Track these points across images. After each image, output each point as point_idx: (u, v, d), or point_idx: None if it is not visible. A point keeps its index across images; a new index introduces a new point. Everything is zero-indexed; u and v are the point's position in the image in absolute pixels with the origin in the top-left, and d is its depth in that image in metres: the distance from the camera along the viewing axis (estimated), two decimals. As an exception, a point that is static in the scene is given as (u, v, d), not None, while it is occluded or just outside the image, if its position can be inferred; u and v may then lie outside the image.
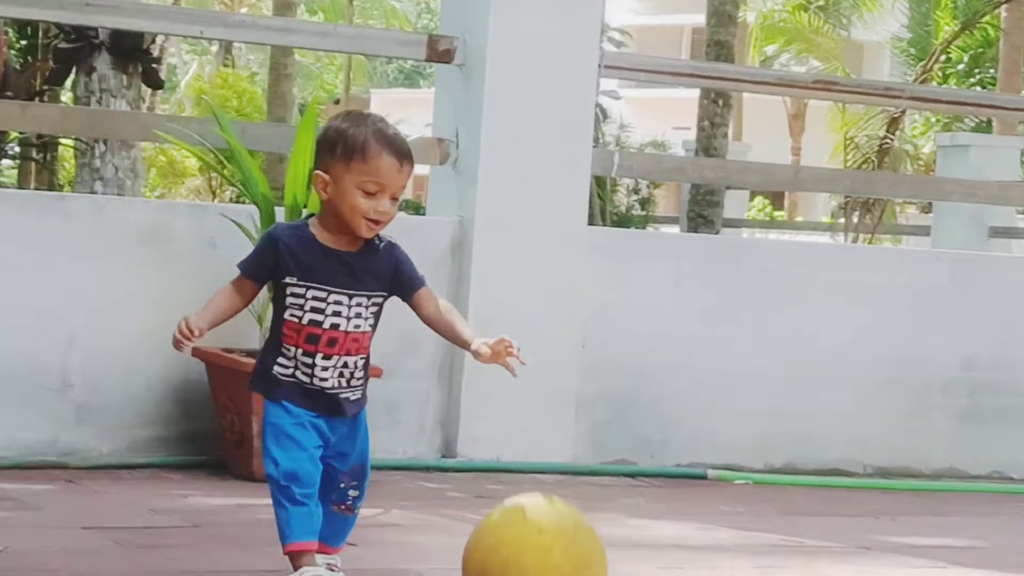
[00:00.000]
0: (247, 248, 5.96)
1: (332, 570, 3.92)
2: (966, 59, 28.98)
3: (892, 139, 15.75)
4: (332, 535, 3.96)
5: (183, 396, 6.11)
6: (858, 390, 7.31)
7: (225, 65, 37.95)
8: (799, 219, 32.40)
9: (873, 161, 15.71)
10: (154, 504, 5.22)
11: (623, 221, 19.03)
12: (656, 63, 7.62)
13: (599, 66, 6.90)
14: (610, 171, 7.67)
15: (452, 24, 6.77)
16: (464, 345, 3.95)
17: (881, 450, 7.32)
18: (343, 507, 3.94)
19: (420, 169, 8.21)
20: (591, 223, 7.05)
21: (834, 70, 32.91)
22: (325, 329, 3.79)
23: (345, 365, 3.83)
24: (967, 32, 27.34)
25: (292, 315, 3.80)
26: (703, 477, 6.77)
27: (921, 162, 24.32)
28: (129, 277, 6.10)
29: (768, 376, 7.15)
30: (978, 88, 26.86)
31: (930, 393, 7.45)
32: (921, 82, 17.47)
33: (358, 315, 3.84)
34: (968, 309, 7.51)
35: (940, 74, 27.18)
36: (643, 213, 22.74)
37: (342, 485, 3.91)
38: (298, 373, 3.82)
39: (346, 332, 3.81)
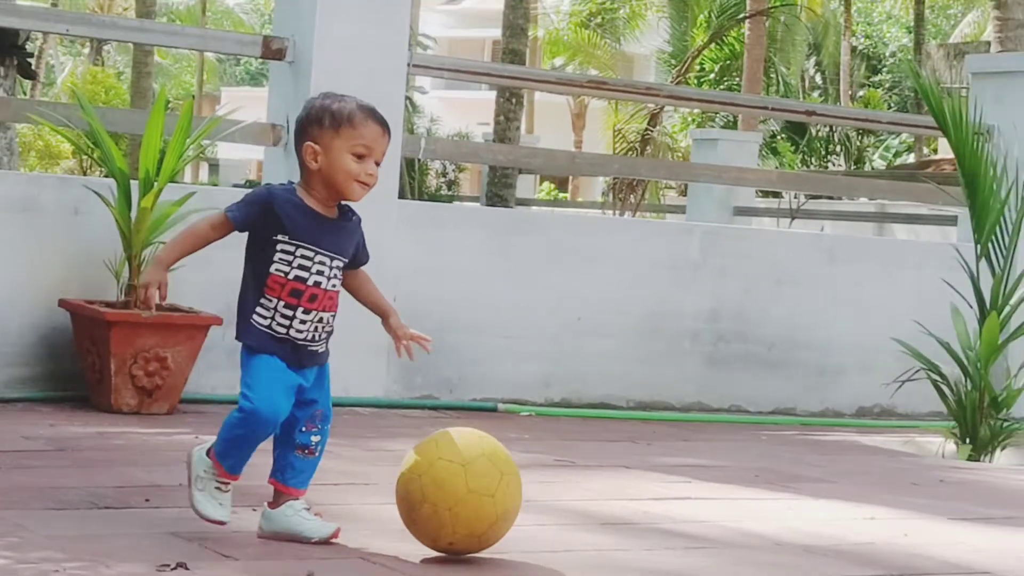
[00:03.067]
0: (107, 215, 5.87)
1: (311, 513, 3.65)
2: (716, 69, 29.33)
3: (652, 131, 15.93)
4: (295, 477, 3.65)
5: (50, 341, 6.00)
6: (623, 338, 7.38)
7: (96, 64, 37.18)
8: (580, 199, 32.59)
9: (637, 149, 15.88)
10: (25, 432, 5.12)
11: (432, 200, 19.03)
12: (457, 63, 7.61)
13: (408, 65, 6.88)
14: (418, 153, 7.63)
15: (283, 27, 6.70)
16: (384, 314, 3.80)
17: (641, 387, 7.39)
18: (306, 451, 3.65)
19: (259, 154, 7.99)
20: (402, 198, 7.02)
21: (609, 77, 33.15)
22: (308, 286, 3.57)
23: (320, 320, 3.61)
24: (717, 46, 27.70)
25: (278, 270, 3.56)
26: (494, 410, 6.79)
27: (680, 153, 24.57)
28: (3, 241, 5.96)
29: (550, 326, 7.18)
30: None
31: (682, 341, 7.54)
32: (676, 84, 17.66)
33: (335, 275, 3.62)
34: (714, 272, 7.61)
35: (696, 81, 27.51)
36: (450, 193, 22.77)
37: (304, 429, 3.64)
38: (274, 324, 3.57)
39: (325, 290, 3.60)
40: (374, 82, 6.66)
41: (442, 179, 22.86)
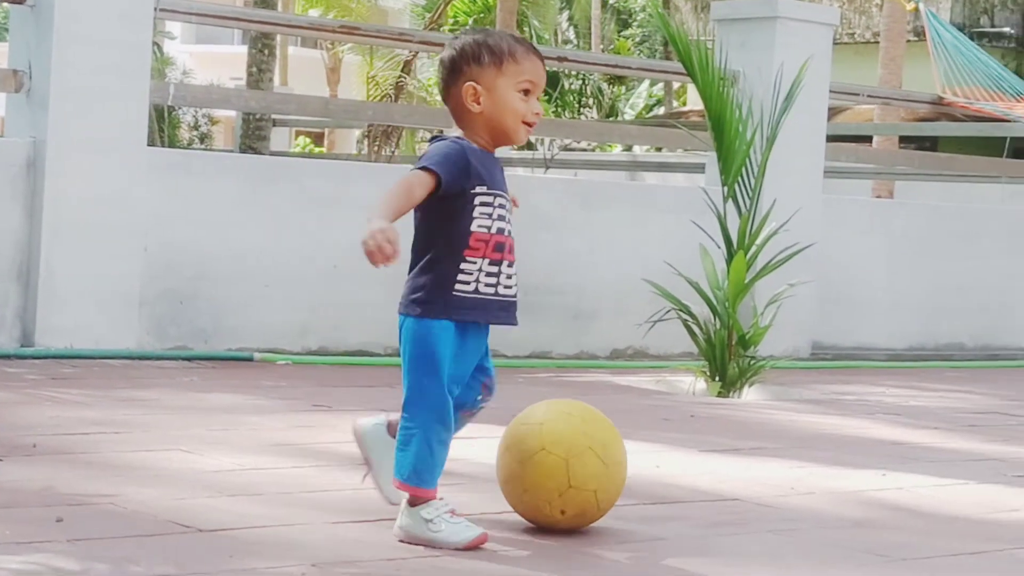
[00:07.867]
0: None
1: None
2: (470, 23, 29.44)
3: (405, 78, 15.92)
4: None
5: None
6: (380, 285, 7.32)
7: None
8: (336, 153, 32.41)
9: (391, 96, 15.83)
10: None
11: (185, 153, 18.76)
12: (206, 8, 7.45)
13: (155, 9, 6.73)
14: (167, 100, 7.45)
15: (23, -31, 6.48)
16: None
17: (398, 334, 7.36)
18: (469, 413, 3.42)
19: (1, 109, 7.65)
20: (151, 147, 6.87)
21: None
22: (506, 236, 3.24)
23: (515, 272, 3.30)
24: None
25: (480, 226, 3.21)
26: (250, 359, 6.71)
27: (436, 106, 24.65)
28: None
29: (308, 274, 7.12)
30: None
31: (439, 286, 7.53)
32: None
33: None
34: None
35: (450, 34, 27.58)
36: (202, 147, 22.43)
37: (480, 397, 3.42)
38: (480, 286, 3.23)
39: (513, 239, 3.27)
40: (120, 26, 6.51)
41: (194, 132, 22.50)
